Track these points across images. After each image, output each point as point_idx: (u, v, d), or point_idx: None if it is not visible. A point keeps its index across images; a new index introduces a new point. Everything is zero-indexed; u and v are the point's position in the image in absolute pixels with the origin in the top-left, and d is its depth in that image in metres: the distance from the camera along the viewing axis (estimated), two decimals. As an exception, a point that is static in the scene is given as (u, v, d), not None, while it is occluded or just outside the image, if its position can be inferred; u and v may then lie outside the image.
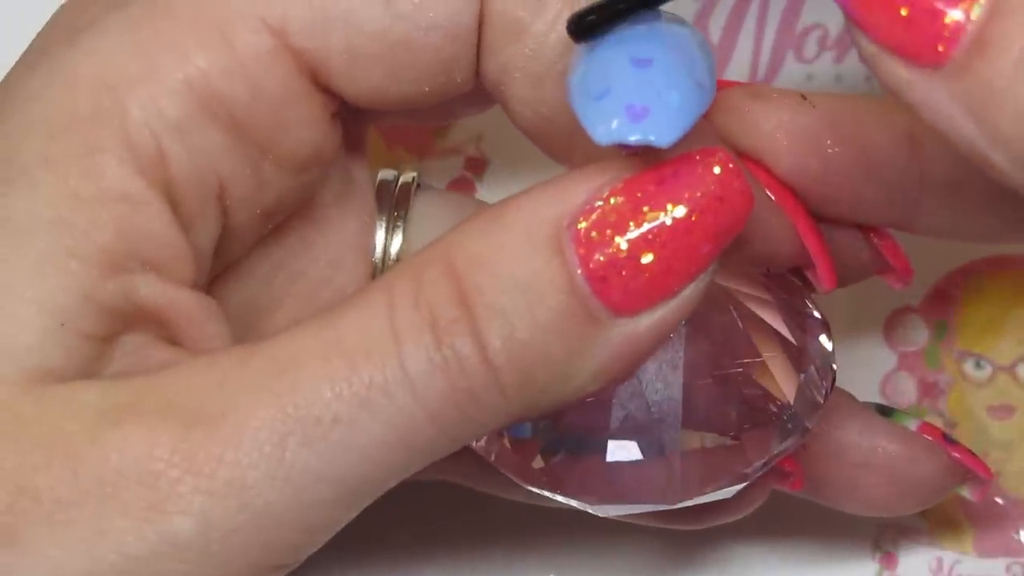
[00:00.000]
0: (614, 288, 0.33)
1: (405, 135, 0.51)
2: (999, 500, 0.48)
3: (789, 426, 0.38)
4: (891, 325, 0.49)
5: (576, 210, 0.33)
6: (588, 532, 0.47)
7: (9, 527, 0.33)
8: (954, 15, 0.30)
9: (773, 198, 0.38)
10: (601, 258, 0.33)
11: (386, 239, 0.41)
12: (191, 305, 0.36)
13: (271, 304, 0.40)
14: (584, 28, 0.34)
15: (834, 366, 0.39)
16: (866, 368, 0.46)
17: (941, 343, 0.49)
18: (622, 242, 0.33)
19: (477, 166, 0.51)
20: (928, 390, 0.48)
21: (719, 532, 0.46)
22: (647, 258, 0.33)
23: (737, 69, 0.50)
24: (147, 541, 0.33)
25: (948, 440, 0.43)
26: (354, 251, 0.41)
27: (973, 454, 0.43)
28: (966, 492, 0.44)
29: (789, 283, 0.39)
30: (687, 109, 0.32)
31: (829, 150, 0.38)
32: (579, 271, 0.33)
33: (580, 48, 0.34)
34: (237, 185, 0.37)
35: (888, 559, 0.47)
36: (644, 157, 0.33)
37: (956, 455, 0.43)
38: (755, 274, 0.39)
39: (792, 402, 0.38)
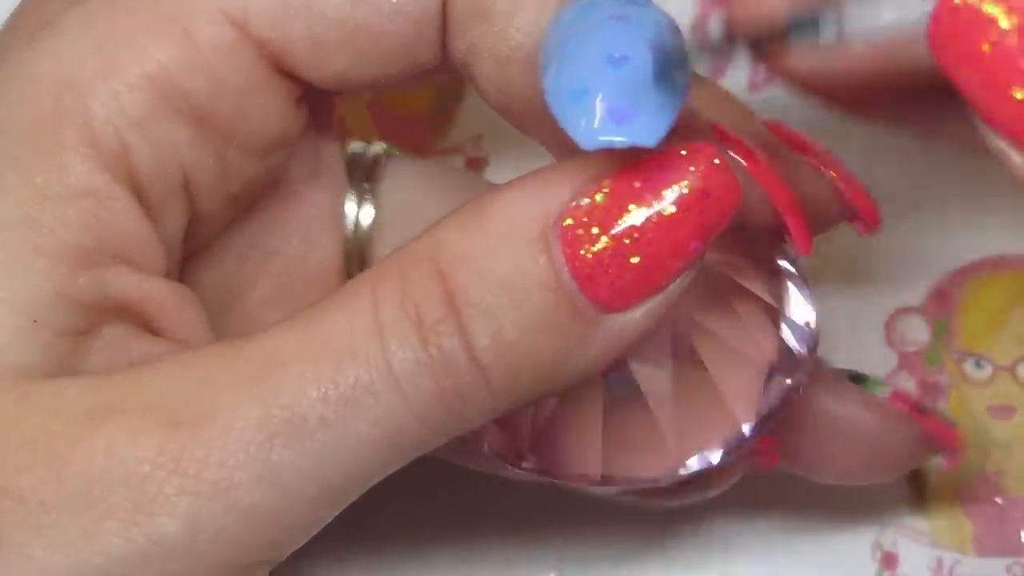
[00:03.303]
0: (601, 285, 0.33)
1: (404, 134, 0.50)
2: (999, 500, 0.47)
3: (772, 384, 0.38)
4: (891, 325, 0.49)
5: (562, 207, 0.33)
6: (585, 512, 0.46)
7: None
8: None
9: (746, 165, 0.37)
10: (587, 255, 0.33)
11: (358, 211, 0.41)
12: (164, 294, 0.36)
13: (245, 283, 0.40)
14: None
15: (814, 320, 0.39)
16: (867, 368, 0.46)
17: (941, 343, 0.49)
18: (608, 239, 0.33)
19: (477, 165, 0.51)
20: (928, 390, 0.48)
21: (718, 530, 0.46)
22: (633, 255, 0.33)
23: (737, 69, 0.50)
24: (133, 543, 0.33)
25: (920, 410, 0.43)
26: (327, 227, 0.41)
27: (945, 423, 0.43)
28: (938, 461, 0.43)
29: (763, 241, 0.39)
30: (669, 105, 0.32)
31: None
32: (565, 269, 0.33)
33: (549, 44, 0.34)
34: (202, 174, 0.37)
35: (888, 559, 0.47)
36: (629, 151, 0.33)
37: (926, 427, 0.42)
38: (729, 234, 0.39)
39: (776, 359, 0.38)
